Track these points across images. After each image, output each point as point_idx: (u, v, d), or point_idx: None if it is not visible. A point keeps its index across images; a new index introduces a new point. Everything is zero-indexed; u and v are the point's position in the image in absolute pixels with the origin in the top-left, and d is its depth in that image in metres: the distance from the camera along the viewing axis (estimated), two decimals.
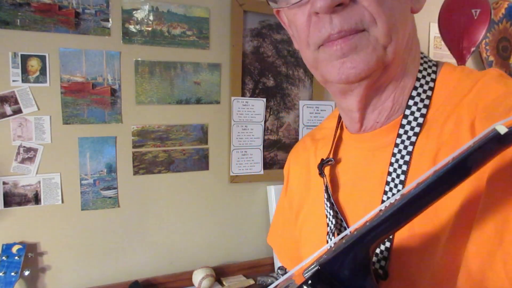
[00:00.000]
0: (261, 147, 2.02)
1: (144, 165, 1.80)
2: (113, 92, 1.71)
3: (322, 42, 0.55)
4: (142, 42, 1.75)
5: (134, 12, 1.73)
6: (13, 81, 1.56)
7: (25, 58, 1.57)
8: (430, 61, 0.63)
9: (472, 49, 1.95)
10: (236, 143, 1.95)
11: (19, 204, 1.59)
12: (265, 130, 2.03)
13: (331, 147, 0.70)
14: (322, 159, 0.69)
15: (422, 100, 0.58)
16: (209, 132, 1.91)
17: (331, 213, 0.63)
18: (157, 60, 1.78)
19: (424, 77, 0.60)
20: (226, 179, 1.96)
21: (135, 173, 1.78)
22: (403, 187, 0.55)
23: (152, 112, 1.80)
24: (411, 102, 0.58)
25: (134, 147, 1.77)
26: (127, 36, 1.72)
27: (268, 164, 2.05)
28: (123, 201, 1.77)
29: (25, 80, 1.57)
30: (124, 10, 1.71)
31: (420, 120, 0.57)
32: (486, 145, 0.37)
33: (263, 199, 2.05)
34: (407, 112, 0.58)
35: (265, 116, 2.02)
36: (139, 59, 1.75)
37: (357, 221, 0.56)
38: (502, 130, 0.36)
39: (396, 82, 0.59)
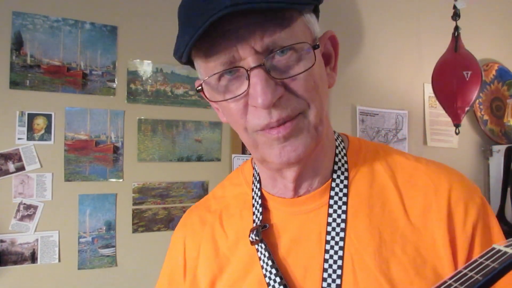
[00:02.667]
0: None
1: (143, 223, 1.78)
2: (116, 149, 1.74)
3: (261, 129, 0.57)
4: (146, 101, 1.81)
5: (139, 73, 1.80)
6: (19, 139, 1.59)
7: (31, 117, 1.61)
8: (334, 132, 0.72)
9: (466, 108, 2.00)
10: None
11: (15, 263, 1.56)
12: None
13: (261, 214, 0.68)
14: (258, 226, 0.67)
15: (342, 165, 0.67)
16: (209, 189, 1.91)
17: (277, 280, 0.62)
18: (159, 119, 1.83)
19: (340, 144, 0.69)
20: None
21: (134, 230, 1.76)
22: (344, 243, 0.61)
23: (153, 169, 1.81)
24: (336, 167, 0.66)
25: (134, 204, 1.77)
26: (132, 96, 1.78)
27: None
28: (121, 260, 1.73)
29: (30, 138, 1.60)
30: (129, 71, 1.78)
31: (345, 182, 0.65)
32: (505, 269, 0.38)
33: None
34: (334, 176, 0.66)
35: None
36: (142, 117, 1.80)
37: (298, 283, 0.61)
38: None
39: (324, 152, 0.66)
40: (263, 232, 0.66)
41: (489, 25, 2.76)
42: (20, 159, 1.59)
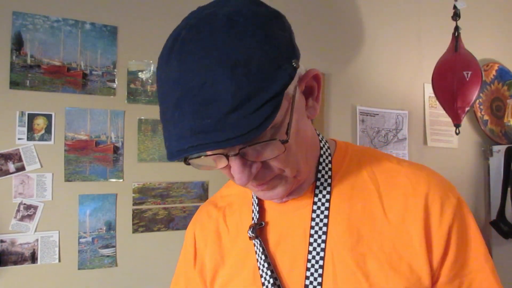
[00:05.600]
0: None
1: (143, 223, 1.78)
2: (116, 149, 1.74)
3: None
4: (146, 101, 1.81)
5: (139, 73, 1.80)
6: (19, 139, 1.59)
7: (31, 117, 1.61)
8: (322, 139, 0.77)
9: (467, 109, 2.00)
10: None
11: (15, 263, 1.56)
12: None
13: (258, 213, 0.76)
14: (255, 223, 0.75)
15: (326, 172, 0.73)
16: (209, 189, 1.91)
17: (268, 273, 0.70)
18: (159, 119, 1.82)
19: (326, 151, 0.75)
20: None
21: (135, 231, 1.76)
22: (326, 237, 0.68)
23: (153, 169, 1.81)
24: (319, 175, 0.73)
25: (134, 204, 1.77)
26: (132, 96, 1.78)
27: None
28: (121, 260, 1.73)
29: (30, 138, 1.60)
30: (129, 71, 1.78)
31: (329, 181, 0.72)
32: None
33: None
34: (318, 183, 0.72)
35: None
36: (143, 117, 1.80)
37: (286, 275, 0.69)
38: None
39: (307, 171, 0.71)
40: (259, 229, 0.75)
41: (489, 25, 2.76)
42: (20, 159, 1.59)
